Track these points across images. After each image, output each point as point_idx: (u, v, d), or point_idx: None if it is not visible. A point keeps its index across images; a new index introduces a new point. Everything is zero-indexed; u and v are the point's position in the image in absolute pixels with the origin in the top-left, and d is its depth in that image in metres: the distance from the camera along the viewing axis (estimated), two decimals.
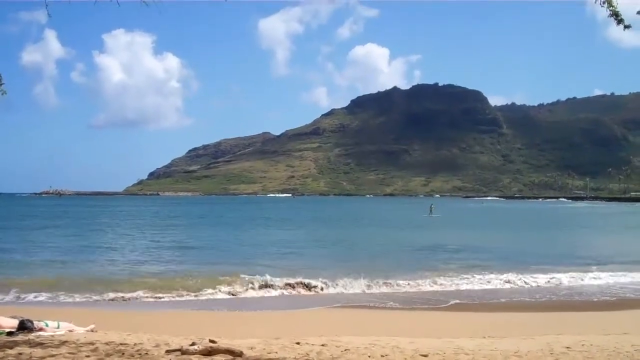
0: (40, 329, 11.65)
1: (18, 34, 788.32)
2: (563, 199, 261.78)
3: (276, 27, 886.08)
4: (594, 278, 26.29)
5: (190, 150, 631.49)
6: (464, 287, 23.83)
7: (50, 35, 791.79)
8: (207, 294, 21.62)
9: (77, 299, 20.40)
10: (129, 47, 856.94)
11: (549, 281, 25.25)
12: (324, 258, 34.59)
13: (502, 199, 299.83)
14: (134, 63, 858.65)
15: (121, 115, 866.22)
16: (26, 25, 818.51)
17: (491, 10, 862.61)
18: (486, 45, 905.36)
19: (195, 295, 21.36)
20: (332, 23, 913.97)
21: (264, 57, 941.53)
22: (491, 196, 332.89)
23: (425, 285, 23.95)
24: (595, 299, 21.60)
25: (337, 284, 23.18)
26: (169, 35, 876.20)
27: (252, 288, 22.39)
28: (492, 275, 26.01)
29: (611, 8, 8.49)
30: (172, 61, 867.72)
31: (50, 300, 20.05)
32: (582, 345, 11.55)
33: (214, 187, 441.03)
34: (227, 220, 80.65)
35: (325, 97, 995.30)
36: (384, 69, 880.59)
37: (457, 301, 20.79)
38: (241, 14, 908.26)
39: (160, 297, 20.94)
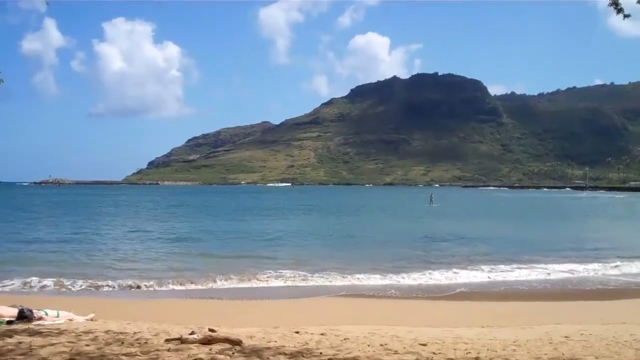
0: (40, 318, 11.68)
1: (18, 23, 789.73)
2: (568, 189, 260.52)
3: (276, 16, 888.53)
4: (594, 268, 26.26)
5: (189, 140, 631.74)
6: (464, 277, 23.76)
7: (50, 24, 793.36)
8: (204, 283, 21.66)
9: (77, 288, 20.40)
10: (129, 36, 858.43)
11: (550, 272, 25.22)
12: (327, 248, 34.47)
13: (505, 188, 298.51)
14: (134, 52, 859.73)
15: (121, 104, 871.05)
16: (26, 14, 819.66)
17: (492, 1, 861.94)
18: (486, 35, 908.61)
19: (195, 284, 21.37)
20: (332, 12, 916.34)
21: (265, 46, 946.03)
22: (493, 185, 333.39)
23: (426, 275, 23.93)
24: (593, 288, 21.59)
25: (345, 275, 23.21)
26: (170, 24, 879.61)
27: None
28: (493, 266, 26.01)
29: None
30: (172, 50, 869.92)
31: (49, 289, 20.07)
32: (581, 334, 11.59)
33: (213, 177, 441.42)
34: (227, 210, 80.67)
35: (326, 86, 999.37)
36: (385, 58, 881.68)
37: (458, 291, 20.81)
38: (241, 3, 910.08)
39: (159, 286, 20.95)
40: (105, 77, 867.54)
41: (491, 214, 75.66)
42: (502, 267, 25.76)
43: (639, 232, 47.85)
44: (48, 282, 20.93)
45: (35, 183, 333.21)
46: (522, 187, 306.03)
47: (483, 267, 25.72)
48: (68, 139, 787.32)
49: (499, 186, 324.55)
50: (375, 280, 22.57)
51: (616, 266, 26.63)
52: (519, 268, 25.57)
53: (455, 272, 24.38)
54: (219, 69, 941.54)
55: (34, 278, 21.27)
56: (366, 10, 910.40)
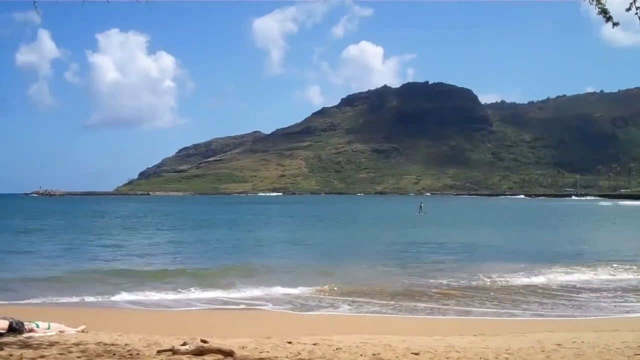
0: (31, 330, 11.57)
1: (12, 35, 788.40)
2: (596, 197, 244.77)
3: (270, 27, 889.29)
4: (581, 274, 26.31)
5: (180, 150, 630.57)
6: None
7: (45, 36, 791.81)
8: (198, 293, 21.57)
9: (68, 300, 20.27)
10: (123, 47, 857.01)
11: (537, 277, 25.25)
12: (328, 257, 34.66)
13: (522, 196, 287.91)
14: (128, 62, 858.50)
15: (115, 114, 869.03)
16: (21, 26, 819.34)
17: (485, 10, 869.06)
18: (479, 44, 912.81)
19: (187, 294, 21.29)
20: (326, 22, 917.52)
21: (259, 56, 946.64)
22: (485, 193, 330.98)
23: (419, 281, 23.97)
24: (585, 296, 21.58)
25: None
26: (164, 35, 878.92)
27: None
28: (481, 274, 26.03)
29: (599, 5, 8.54)
30: (166, 60, 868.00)
31: (40, 301, 19.93)
32: (573, 342, 11.60)
33: (204, 187, 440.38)
34: (220, 221, 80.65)
35: (319, 95, 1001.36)
36: (379, 67, 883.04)
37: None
38: (236, 14, 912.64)
39: (151, 297, 20.85)
40: (100, 87, 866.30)
41: (479, 222, 75.71)
42: (491, 274, 25.73)
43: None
44: (38, 293, 20.80)
45: (25, 194, 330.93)
46: (546, 196, 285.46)
47: (471, 274, 25.72)
48: (61, 150, 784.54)
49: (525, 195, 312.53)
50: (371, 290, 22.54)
51: (603, 273, 26.69)
52: (506, 275, 25.57)
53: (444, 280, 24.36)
54: (213, 79, 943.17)
55: (24, 290, 21.20)
56: (360, 20, 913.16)
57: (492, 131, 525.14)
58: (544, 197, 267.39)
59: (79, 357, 9.13)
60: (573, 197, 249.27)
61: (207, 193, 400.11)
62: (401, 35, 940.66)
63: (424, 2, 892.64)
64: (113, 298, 20.55)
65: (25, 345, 10.00)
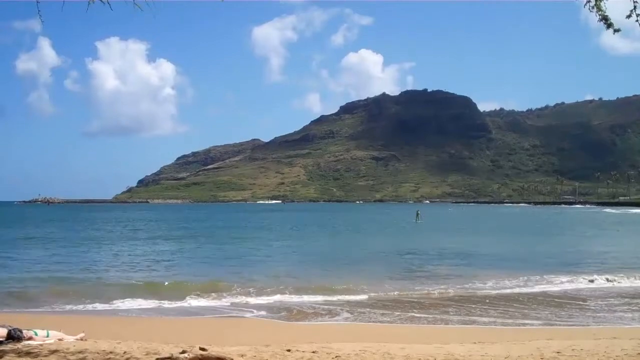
0: (30, 338, 11.53)
1: (12, 43, 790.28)
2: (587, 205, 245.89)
3: (270, 35, 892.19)
4: (582, 282, 26.30)
5: (179, 158, 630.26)
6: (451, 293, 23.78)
7: (44, 44, 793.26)
8: (196, 301, 21.55)
9: (67, 307, 20.26)
10: (123, 54, 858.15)
11: (539, 285, 25.25)
12: (326, 266, 34.69)
13: (524, 204, 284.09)
14: (128, 70, 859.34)
15: (115, 122, 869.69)
16: (20, 33, 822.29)
17: (484, 18, 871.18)
18: (477, 52, 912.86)
19: (186, 302, 21.26)
20: (326, 31, 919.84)
21: (258, 64, 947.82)
22: (484, 200, 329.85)
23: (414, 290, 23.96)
24: (585, 304, 21.57)
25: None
26: (164, 43, 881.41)
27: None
28: (478, 282, 26.03)
29: (600, 12, 8.55)
30: (166, 68, 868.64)
31: (39, 309, 19.91)
32: (572, 350, 11.58)
33: (203, 195, 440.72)
34: (219, 229, 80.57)
35: (318, 103, 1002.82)
36: (378, 75, 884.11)
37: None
38: (236, 22, 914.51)
39: (150, 305, 20.83)
40: (99, 95, 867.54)
41: (472, 229, 75.72)
42: (488, 283, 25.74)
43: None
44: (37, 301, 20.81)
45: (24, 202, 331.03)
46: (552, 203, 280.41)
47: (466, 282, 25.71)
48: (60, 158, 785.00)
49: (527, 203, 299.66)
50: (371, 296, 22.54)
51: (603, 280, 26.67)
52: (505, 283, 25.57)
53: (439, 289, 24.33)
54: (213, 86, 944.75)
55: (23, 297, 21.18)
56: (359, 29, 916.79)
57: (491, 139, 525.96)
58: (543, 205, 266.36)
59: None
60: (576, 205, 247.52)
61: (206, 201, 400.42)
62: (401, 43, 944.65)
63: (424, 11, 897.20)
64: (112, 306, 20.56)
65: (24, 353, 9.98)
